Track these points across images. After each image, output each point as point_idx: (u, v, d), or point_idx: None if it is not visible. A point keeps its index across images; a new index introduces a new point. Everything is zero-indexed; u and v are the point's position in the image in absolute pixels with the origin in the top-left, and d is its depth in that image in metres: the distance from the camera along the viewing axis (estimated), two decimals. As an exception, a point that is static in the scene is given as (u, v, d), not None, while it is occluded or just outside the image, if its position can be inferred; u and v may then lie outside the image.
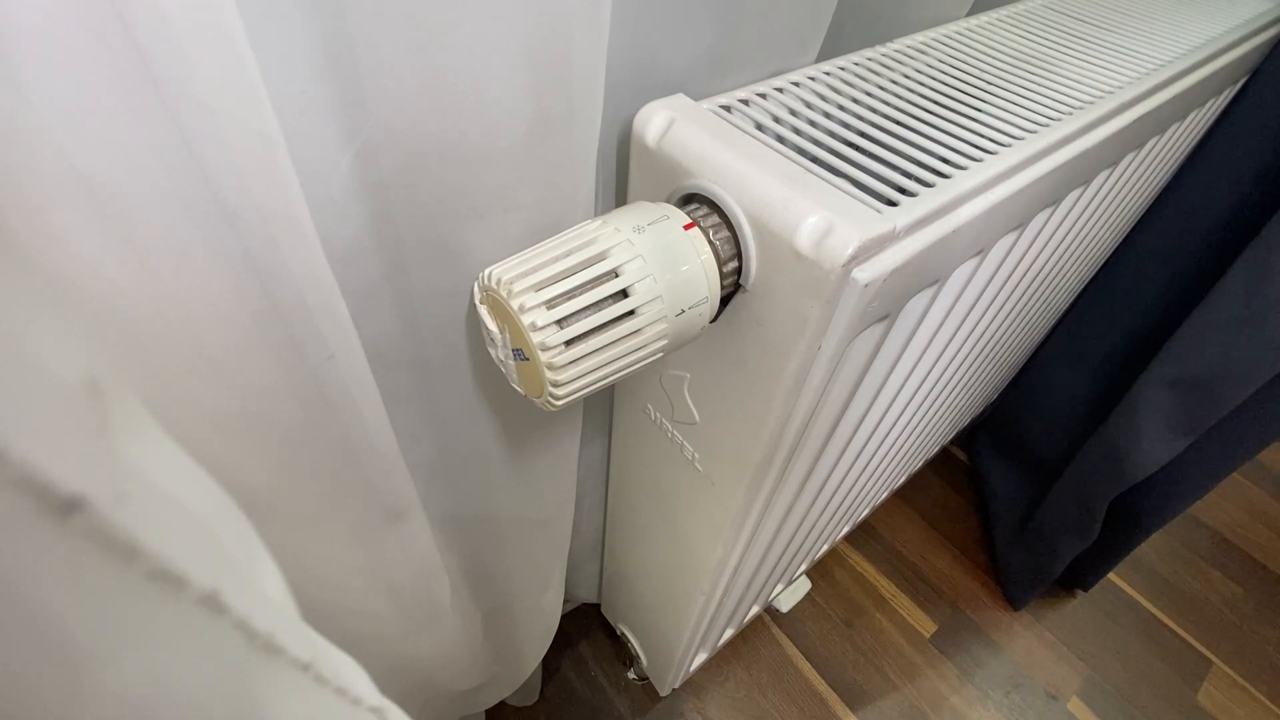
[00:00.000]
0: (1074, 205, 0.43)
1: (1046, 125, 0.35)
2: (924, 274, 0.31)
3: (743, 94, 0.33)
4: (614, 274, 0.25)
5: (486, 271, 0.26)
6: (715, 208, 0.29)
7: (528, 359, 0.25)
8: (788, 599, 0.90)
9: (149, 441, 0.10)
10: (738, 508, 0.40)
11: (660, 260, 0.26)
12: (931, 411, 0.62)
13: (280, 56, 0.19)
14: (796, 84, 0.35)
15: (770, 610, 0.90)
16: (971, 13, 0.46)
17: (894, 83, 0.36)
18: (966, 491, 1.07)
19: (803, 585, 0.92)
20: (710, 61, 0.33)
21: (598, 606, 0.81)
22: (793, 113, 0.33)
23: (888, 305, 0.30)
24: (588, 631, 0.86)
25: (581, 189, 0.29)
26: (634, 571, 0.64)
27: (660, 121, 0.31)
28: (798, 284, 0.27)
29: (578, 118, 0.26)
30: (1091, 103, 0.37)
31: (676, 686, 0.76)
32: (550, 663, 0.81)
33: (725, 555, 0.45)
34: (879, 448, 0.55)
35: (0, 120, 0.14)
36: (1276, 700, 0.88)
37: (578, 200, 0.29)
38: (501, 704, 0.72)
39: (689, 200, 0.30)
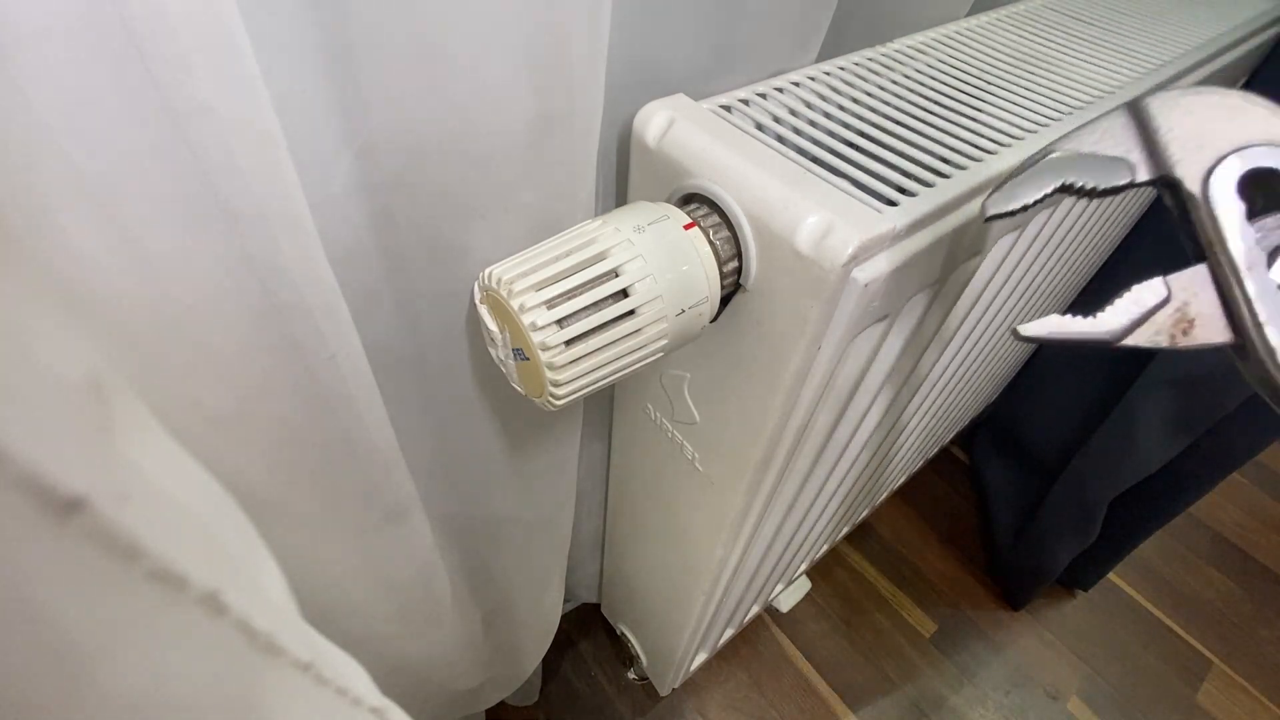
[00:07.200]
0: (1074, 205, 0.43)
1: (1046, 125, 0.35)
2: (924, 274, 0.31)
3: (743, 94, 0.33)
4: (614, 274, 0.25)
5: (486, 271, 0.26)
6: (715, 208, 0.29)
7: (528, 359, 0.25)
8: (788, 599, 0.90)
9: (150, 442, 0.10)
10: (738, 508, 0.40)
11: (660, 260, 0.26)
12: (931, 411, 0.62)
13: (280, 56, 0.19)
14: (797, 84, 0.35)
15: (770, 610, 0.90)
16: (971, 13, 0.46)
17: (894, 83, 0.36)
18: (966, 491, 1.07)
19: (803, 585, 0.92)
20: (710, 61, 0.33)
21: (598, 606, 0.81)
22: (793, 113, 0.33)
23: (888, 305, 0.30)
24: (588, 631, 0.86)
25: (582, 189, 0.29)
26: (634, 571, 0.64)
27: (660, 121, 0.31)
28: (798, 284, 0.27)
29: (578, 117, 0.26)
30: (1091, 103, 0.37)
31: (676, 686, 0.75)
32: (550, 663, 0.81)
33: (725, 555, 0.45)
34: (879, 448, 0.55)
35: (0, 120, 0.14)
36: (1276, 700, 0.88)
37: (578, 200, 0.29)
38: (501, 704, 0.72)
39: (689, 200, 0.30)
